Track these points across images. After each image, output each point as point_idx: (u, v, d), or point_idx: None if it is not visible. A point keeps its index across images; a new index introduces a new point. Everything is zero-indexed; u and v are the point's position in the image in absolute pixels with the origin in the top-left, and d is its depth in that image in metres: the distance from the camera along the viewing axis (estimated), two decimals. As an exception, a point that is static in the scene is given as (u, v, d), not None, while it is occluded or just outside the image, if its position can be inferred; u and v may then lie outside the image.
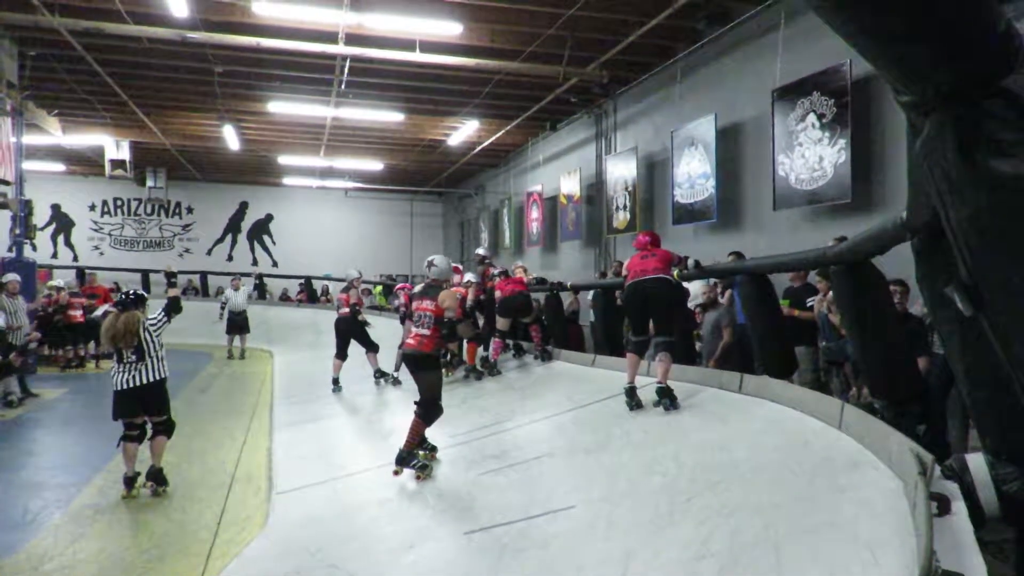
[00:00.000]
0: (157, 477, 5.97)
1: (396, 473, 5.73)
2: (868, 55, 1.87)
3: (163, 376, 6.05)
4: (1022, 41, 1.83)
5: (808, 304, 7.05)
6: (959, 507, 2.68)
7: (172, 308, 6.34)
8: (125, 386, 5.90)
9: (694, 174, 10.32)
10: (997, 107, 1.71)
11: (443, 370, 6.28)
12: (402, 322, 10.81)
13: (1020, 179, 1.66)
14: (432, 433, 6.19)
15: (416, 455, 5.81)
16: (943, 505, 2.62)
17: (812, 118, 8.03)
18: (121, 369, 5.93)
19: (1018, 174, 1.66)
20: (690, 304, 8.27)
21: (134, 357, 5.91)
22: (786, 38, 8.51)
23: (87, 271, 18.95)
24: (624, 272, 6.58)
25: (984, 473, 2.93)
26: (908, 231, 3.08)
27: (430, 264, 6.69)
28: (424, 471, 5.69)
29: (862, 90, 7.57)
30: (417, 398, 6.09)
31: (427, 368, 6.16)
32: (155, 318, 6.15)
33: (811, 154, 8.05)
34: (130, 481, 5.86)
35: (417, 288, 7.11)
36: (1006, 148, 1.68)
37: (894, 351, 4.40)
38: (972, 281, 1.89)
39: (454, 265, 10.31)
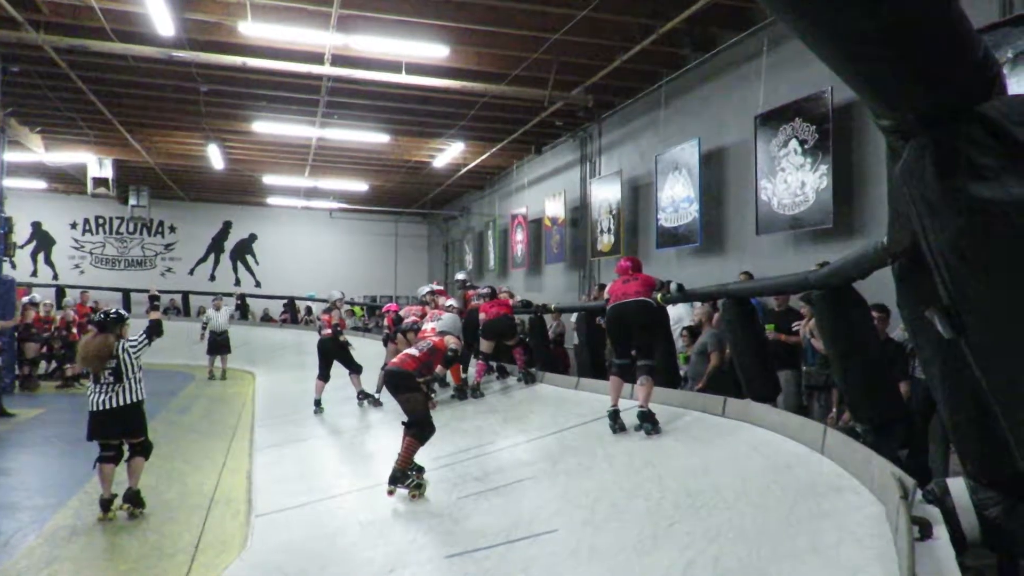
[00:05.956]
0: (134, 499, 5.86)
1: (390, 493, 5.67)
2: (849, 80, 1.89)
3: (140, 398, 5.97)
4: (999, 68, 1.86)
5: (794, 328, 7.08)
6: (941, 532, 2.68)
7: (153, 331, 6.28)
8: (100, 407, 5.82)
9: (678, 198, 10.39)
10: (976, 132, 1.73)
11: (426, 394, 6.27)
12: (385, 344, 10.78)
13: (998, 203, 1.68)
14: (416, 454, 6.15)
15: (410, 474, 5.78)
16: (925, 530, 2.62)
17: (794, 144, 8.12)
18: (97, 390, 5.85)
19: (996, 198, 1.68)
20: (676, 327, 8.29)
21: (111, 378, 5.84)
22: (769, 65, 8.63)
23: (80, 290, 18.46)
24: (606, 296, 6.61)
25: (965, 498, 2.94)
26: (889, 256, 3.10)
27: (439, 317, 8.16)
28: (419, 490, 5.66)
29: (843, 117, 7.67)
30: (401, 419, 6.06)
31: (406, 388, 6.14)
32: (135, 340, 6.08)
33: (793, 179, 8.13)
34: (106, 503, 5.75)
35: (431, 323, 8.07)
36: (985, 173, 1.70)
37: (875, 375, 4.42)
38: (953, 305, 1.91)
39: (438, 288, 10.36)
